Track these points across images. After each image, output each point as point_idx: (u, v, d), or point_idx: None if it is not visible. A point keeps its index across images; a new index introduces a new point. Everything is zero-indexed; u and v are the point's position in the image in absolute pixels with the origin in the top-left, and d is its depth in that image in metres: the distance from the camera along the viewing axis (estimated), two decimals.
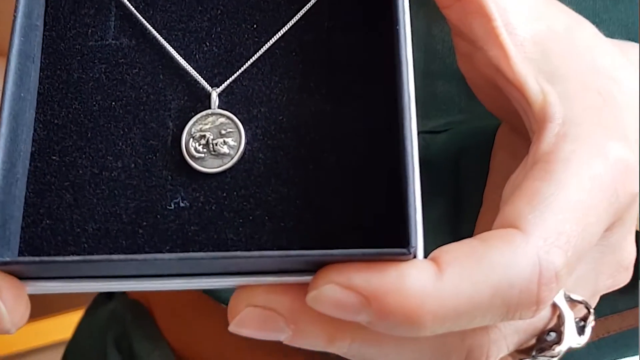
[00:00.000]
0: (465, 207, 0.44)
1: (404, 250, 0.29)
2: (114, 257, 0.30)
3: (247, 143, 0.34)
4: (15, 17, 0.33)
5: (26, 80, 0.34)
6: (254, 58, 0.35)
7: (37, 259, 0.30)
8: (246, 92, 0.35)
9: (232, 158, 0.34)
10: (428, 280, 0.29)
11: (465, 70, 0.37)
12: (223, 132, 0.34)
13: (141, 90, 0.35)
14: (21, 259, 0.31)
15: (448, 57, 0.42)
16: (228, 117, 0.34)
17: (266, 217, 0.33)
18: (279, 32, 0.35)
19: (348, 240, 0.32)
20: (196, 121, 0.34)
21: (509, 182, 0.33)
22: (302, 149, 0.34)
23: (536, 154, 0.32)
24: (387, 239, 0.32)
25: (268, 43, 0.35)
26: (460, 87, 0.41)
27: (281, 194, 0.33)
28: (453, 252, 0.30)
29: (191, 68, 0.35)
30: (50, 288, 0.32)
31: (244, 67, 0.35)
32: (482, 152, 0.40)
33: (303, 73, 0.35)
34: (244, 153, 0.34)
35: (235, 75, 0.35)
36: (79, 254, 0.33)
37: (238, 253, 0.30)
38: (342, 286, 0.29)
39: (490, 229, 0.32)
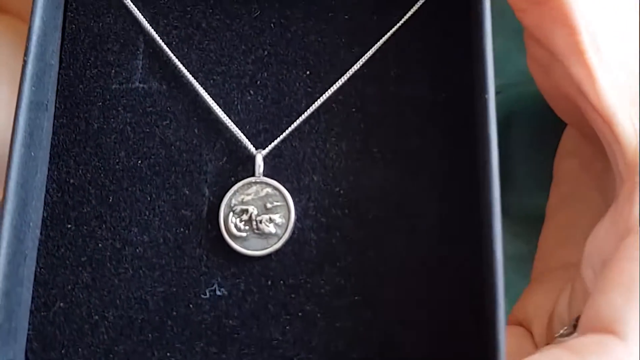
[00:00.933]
0: (513, 176, 0.40)
1: None
2: None
3: (296, 220, 0.29)
4: (25, 61, 0.28)
5: (37, 135, 0.29)
6: (306, 113, 0.30)
7: None
8: (296, 156, 0.30)
9: (279, 239, 0.29)
10: None
11: (537, 75, 0.32)
12: (269, 205, 0.29)
13: (172, 147, 0.30)
14: None
15: (508, 12, 0.36)
16: (275, 187, 0.29)
17: (318, 314, 0.28)
18: (336, 82, 0.30)
19: (416, 350, 0.27)
20: (237, 190, 0.29)
21: (595, 236, 0.29)
22: (362, 230, 0.29)
23: (629, 221, 0.27)
24: (461, 343, 0.27)
25: (324, 95, 0.30)
26: (521, 45, 0.36)
27: (337, 286, 0.28)
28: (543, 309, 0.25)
29: (232, 122, 0.30)
30: None
31: (295, 124, 0.30)
32: (534, 119, 0.36)
33: (365, 134, 0.30)
34: (292, 233, 0.29)
35: (285, 134, 0.30)
36: (97, 347, 0.28)
37: None
38: None
39: (554, 249, 0.29)
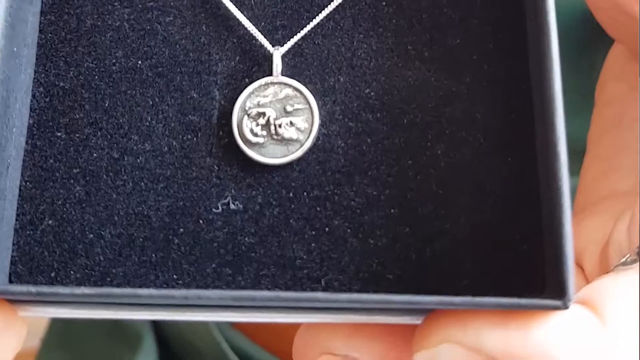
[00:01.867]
0: None
1: (558, 303, 0.20)
2: (141, 292, 0.21)
3: (321, 125, 0.25)
4: None
5: (20, 29, 0.25)
6: (331, 7, 0.26)
7: (31, 289, 0.21)
8: (320, 54, 0.26)
9: (301, 145, 0.25)
10: (593, 338, 0.20)
11: None
12: (289, 108, 0.25)
13: (177, 46, 0.26)
14: (9, 287, 0.23)
15: None
16: (296, 89, 0.25)
17: (348, 230, 0.24)
18: None
19: (463, 273, 0.23)
20: (252, 92, 0.25)
21: None
22: (396, 136, 0.25)
23: None
24: (518, 278, 0.23)
25: None
26: None
27: (368, 198, 0.24)
28: (612, 292, 0.22)
29: (245, 18, 0.26)
30: (52, 313, 0.24)
31: (317, 19, 0.26)
32: (571, 34, 0.32)
33: (397, 29, 0.26)
34: (317, 139, 0.25)
35: (306, 29, 0.26)
36: (92, 269, 0.24)
37: (320, 295, 0.21)
38: (468, 348, 0.20)
39: (600, 178, 0.27)
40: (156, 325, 0.43)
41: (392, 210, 0.24)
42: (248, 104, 0.25)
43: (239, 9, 0.26)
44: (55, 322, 0.43)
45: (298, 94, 0.25)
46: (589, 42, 0.35)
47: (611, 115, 0.30)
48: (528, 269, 0.23)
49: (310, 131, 0.25)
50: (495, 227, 0.24)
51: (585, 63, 0.34)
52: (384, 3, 0.26)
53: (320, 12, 0.26)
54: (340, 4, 0.26)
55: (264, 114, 0.25)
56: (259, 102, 0.25)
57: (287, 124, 0.25)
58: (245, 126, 0.25)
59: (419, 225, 0.24)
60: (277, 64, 0.26)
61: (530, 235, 0.23)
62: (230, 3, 0.26)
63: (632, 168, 0.29)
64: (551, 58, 0.22)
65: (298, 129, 0.25)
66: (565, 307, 0.20)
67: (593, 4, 0.29)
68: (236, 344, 0.43)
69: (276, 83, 0.25)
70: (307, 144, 0.25)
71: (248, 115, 0.25)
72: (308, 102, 0.25)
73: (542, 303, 0.20)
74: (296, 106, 0.25)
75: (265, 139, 0.25)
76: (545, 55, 0.23)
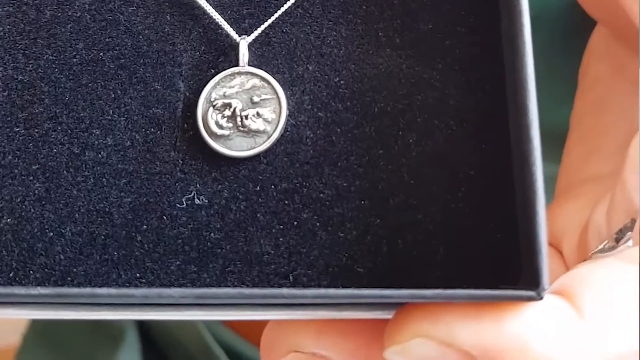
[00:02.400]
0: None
1: (532, 294, 0.19)
2: (100, 291, 0.20)
3: (289, 115, 0.24)
4: None
5: None
6: None
7: None
8: (287, 43, 0.25)
9: (268, 137, 0.24)
10: (569, 329, 0.20)
11: None
12: (256, 99, 0.24)
13: (140, 37, 0.25)
14: None
15: None
16: (263, 78, 0.24)
17: (317, 223, 0.23)
18: None
19: (436, 264, 0.23)
20: (218, 83, 0.24)
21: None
22: (367, 125, 0.24)
23: None
24: (492, 269, 0.22)
25: None
26: None
27: (338, 190, 0.24)
28: (588, 281, 0.21)
29: (210, 6, 0.25)
30: (11, 315, 0.23)
31: (285, 6, 0.25)
32: (556, 19, 0.31)
33: (367, 15, 0.25)
34: (285, 129, 0.24)
35: (273, 18, 0.25)
36: (52, 269, 0.23)
37: (285, 292, 0.21)
38: (440, 342, 0.19)
39: (581, 161, 0.26)
40: (139, 320, 0.42)
41: (362, 202, 0.23)
42: (213, 95, 0.24)
43: None
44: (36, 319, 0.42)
45: (265, 84, 0.24)
46: (578, 27, 0.34)
47: (594, 97, 0.30)
48: (502, 260, 0.22)
49: (278, 122, 0.24)
50: (468, 217, 0.23)
51: (574, 48, 0.33)
52: None
53: (288, 0, 0.25)
54: None
55: (229, 105, 0.24)
56: (224, 93, 0.24)
57: (253, 115, 0.24)
58: (210, 118, 0.24)
59: (390, 217, 0.23)
60: (244, 54, 0.25)
61: (504, 224, 0.22)
62: None
63: (614, 151, 0.28)
64: (523, 40, 0.22)
65: (265, 120, 0.24)
66: (540, 297, 0.19)
67: None
68: (223, 339, 0.42)
69: (243, 73, 0.25)
70: (275, 136, 0.24)
71: (214, 107, 0.24)
72: (276, 92, 0.24)
73: (516, 294, 0.19)
74: (263, 96, 0.24)
75: (232, 131, 0.24)
76: (517, 38, 0.22)
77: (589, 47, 0.30)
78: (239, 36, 0.25)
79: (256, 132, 0.24)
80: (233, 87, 0.24)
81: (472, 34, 0.25)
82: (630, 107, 0.29)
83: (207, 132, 0.24)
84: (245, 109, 0.24)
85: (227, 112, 0.24)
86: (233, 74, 0.25)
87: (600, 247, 0.25)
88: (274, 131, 0.24)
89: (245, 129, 0.24)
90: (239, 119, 0.24)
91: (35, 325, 0.42)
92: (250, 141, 0.24)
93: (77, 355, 0.41)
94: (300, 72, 0.25)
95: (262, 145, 0.24)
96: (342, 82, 0.25)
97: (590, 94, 0.30)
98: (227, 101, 0.24)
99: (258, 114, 0.24)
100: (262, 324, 0.29)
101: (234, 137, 0.24)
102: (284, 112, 0.24)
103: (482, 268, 0.22)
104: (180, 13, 0.25)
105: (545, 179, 0.32)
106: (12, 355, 0.42)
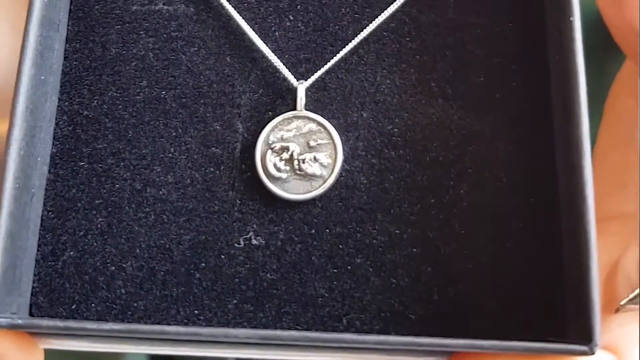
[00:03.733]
0: None
1: (585, 348, 0.20)
2: (169, 329, 0.21)
3: (344, 161, 0.25)
4: None
5: (48, 57, 0.25)
6: (354, 42, 0.26)
7: (58, 323, 0.21)
8: (343, 89, 0.26)
9: (324, 181, 0.25)
10: None
11: (605, 8, 0.28)
12: (312, 143, 0.25)
13: (201, 77, 0.26)
14: (36, 321, 0.22)
15: None
16: (319, 123, 0.25)
17: (370, 268, 0.24)
18: (388, 8, 0.26)
19: (484, 314, 0.24)
20: (276, 126, 0.25)
21: None
22: (419, 174, 0.25)
23: None
24: (538, 320, 0.23)
25: (374, 22, 0.26)
26: None
27: (391, 236, 0.24)
28: (635, 338, 0.22)
29: (269, 50, 0.26)
30: (74, 346, 0.24)
31: (341, 53, 0.26)
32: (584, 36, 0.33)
33: (420, 66, 0.26)
34: (340, 175, 0.25)
35: (330, 64, 0.26)
36: (113, 302, 0.24)
37: (347, 337, 0.21)
38: None
39: (607, 196, 0.26)
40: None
41: (414, 250, 0.24)
42: (271, 138, 0.25)
43: (263, 41, 0.26)
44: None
45: (322, 129, 0.25)
46: (598, 46, 0.34)
47: (620, 131, 0.30)
48: (549, 311, 0.23)
49: (334, 167, 0.25)
50: (516, 269, 0.24)
51: (594, 67, 0.34)
52: (407, 39, 0.26)
53: (344, 47, 0.26)
54: (364, 38, 0.26)
55: (287, 148, 0.25)
56: (282, 136, 0.25)
57: (310, 160, 0.25)
58: (268, 160, 0.25)
59: (441, 265, 0.24)
60: (301, 98, 0.26)
61: (551, 277, 0.23)
62: (255, 35, 0.26)
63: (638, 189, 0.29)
64: (579, 101, 0.22)
65: (321, 164, 0.25)
66: (592, 352, 0.20)
67: (614, 27, 0.29)
68: None
69: (300, 117, 0.25)
70: (330, 180, 0.25)
71: (271, 149, 0.25)
72: (331, 137, 0.25)
73: (569, 348, 0.20)
74: (319, 141, 0.25)
75: (289, 174, 0.25)
76: (571, 98, 0.23)
77: (617, 80, 0.31)
78: (297, 80, 0.26)
79: (312, 176, 0.25)
80: (290, 130, 0.25)
81: (523, 88, 0.25)
82: None
83: (265, 174, 0.25)
84: (302, 152, 0.25)
85: (285, 155, 0.25)
86: (290, 118, 0.25)
87: (632, 295, 0.26)
88: (329, 176, 0.25)
89: (302, 173, 0.25)
90: (296, 162, 0.25)
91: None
92: (307, 185, 0.25)
93: None
94: (355, 119, 0.26)
95: (318, 189, 0.25)
96: (395, 130, 0.25)
97: (616, 127, 0.30)
98: (285, 144, 0.25)
99: (315, 158, 0.25)
100: None
101: (290, 180, 0.25)
102: (340, 157, 0.25)
103: (529, 320, 0.23)
104: (240, 55, 0.26)
105: None
106: None
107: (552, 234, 0.24)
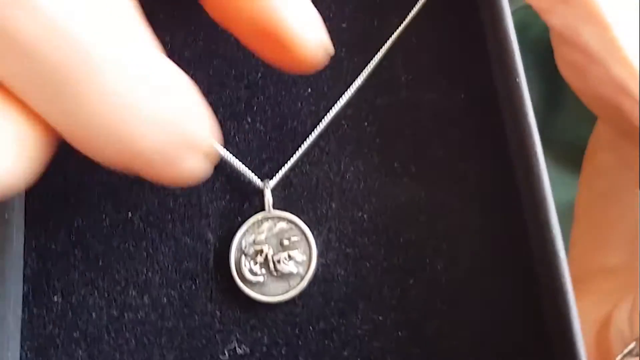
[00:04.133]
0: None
1: None
2: None
3: (319, 255, 0.25)
4: None
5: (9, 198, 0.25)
6: (314, 135, 0.26)
7: None
8: (309, 183, 0.26)
9: (301, 279, 0.25)
10: None
11: (571, 79, 0.29)
12: (285, 242, 0.25)
13: (166, 192, 0.26)
14: None
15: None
16: (290, 221, 0.25)
17: (358, 359, 0.24)
18: (342, 96, 0.26)
19: None
20: (247, 230, 0.25)
21: None
22: (395, 257, 0.25)
23: None
24: None
25: (330, 112, 0.26)
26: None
27: (375, 324, 0.24)
28: None
29: (231, 155, 0.26)
30: None
31: (302, 148, 0.26)
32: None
33: (382, 148, 0.26)
34: (317, 270, 0.25)
35: (293, 160, 0.26)
36: None
37: None
38: None
39: (590, 251, 0.27)
40: None
41: (399, 333, 0.24)
42: (244, 243, 0.25)
43: (224, 147, 0.26)
44: None
45: (293, 226, 0.25)
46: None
47: (601, 187, 0.30)
48: None
49: (310, 263, 0.25)
50: (502, 344, 0.23)
51: (550, 68, 0.35)
52: (365, 123, 0.26)
53: (305, 140, 0.26)
54: (323, 130, 0.26)
55: (261, 251, 0.25)
56: (254, 239, 0.25)
57: (285, 259, 0.25)
58: (243, 266, 0.25)
59: (427, 345, 0.23)
60: (268, 199, 0.25)
61: (536, 349, 0.23)
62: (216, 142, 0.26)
63: (622, 243, 0.29)
64: (538, 162, 0.22)
65: (297, 262, 0.25)
66: None
67: (582, 95, 0.29)
68: None
69: (269, 218, 0.25)
70: (308, 277, 0.24)
71: (245, 254, 0.25)
72: (304, 233, 0.25)
73: None
74: (292, 239, 0.25)
75: (265, 277, 0.25)
76: (531, 162, 0.23)
77: (594, 134, 0.31)
78: (262, 181, 0.26)
79: (289, 275, 0.25)
80: (262, 232, 0.25)
81: (483, 156, 0.25)
82: (638, 199, 0.29)
83: (241, 280, 0.25)
84: (276, 253, 0.25)
85: (260, 259, 0.25)
86: (260, 220, 0.25)
87: (626, 351, 0.26)
88: (306, 272, 0.25)
89: (279, 274, 0.25)
90: (271, 264, 0.25)
91: None
92: (284, 285, 0.25)
93: None
94: (324, 211, 0.25)
95: (297, 287, 0.24)
96: (365, 216, 0.25)
97: (596, 183, 0.30)
98: (258, 248, 0.25)
99: (289, 256, 0.25)
100: None
101: (268, 283, 0.25)
102: (314, 252, 0.25)
103: None
104: None
105: (568, 202, 0.32)
106: None
107: (534, 304, 0.23)
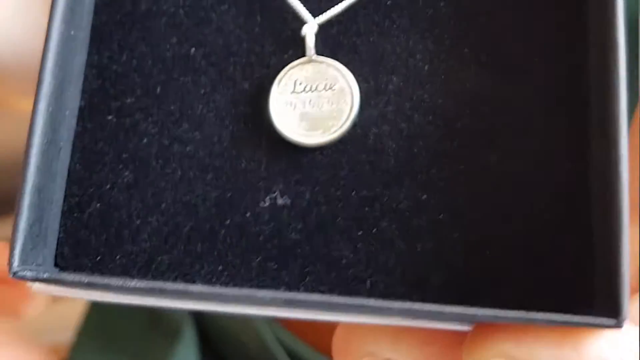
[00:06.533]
0: None
1: (613, 322, 0.20)
2: (193, 288, 0.21)
3: (372, 124, 0.25)
4: None
5: (78, 11, 0.25)
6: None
7: (83, 279, 0.21)
8: (374, 53, 0.26)
9: (340, 126, 0.25)
10: None
11: None
12: (330, 88, 0.25)
13: (231, 36, 0.26)
14: (61, 276, 0.23)
15: None
16: (337, 69, 0.25)
17: (396, 232, 0.24)
18: None
19: (510, 282, 0.23)
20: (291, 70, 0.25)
21: None
22: (449, 141, 0.25)
23: None
24: (566, 290, 0.23)
25: None
26: None
27: (417, 201, 0.24)
28: None
29: (303, 10, 0.26)
30: (97, 297, 0.24)
31: (375, 17, 0.26)
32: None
33: (454, 32, 0.26)
34: (367, 138, 0.25)
35: (361, 26, 0.25)
36: (137, 256, 0.24)
37: (372, 303, 0.21)
38: None
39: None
40: (197, 317, 0.43)
41: (440, 215, 0.24)
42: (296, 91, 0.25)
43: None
44: (91, 313, 0.42)
45: (339, 76, 0.25)
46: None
47: None
48: (577, 281, 0.23)
49: (350, 112, 0.25)
50: (544, 237, 0.23)
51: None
52: (441, 4, 0.26)
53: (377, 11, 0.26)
54: (396, 2, 0.26)
55: (309, 99, 0.25)
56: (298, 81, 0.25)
57: (327, 101, 0.25)
58: (283, 105, 0.25)
59: (467, 233, 0.24)
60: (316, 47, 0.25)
61: (580, 248, 0.23)
62: None
63: None
64: (617, 67, 0.22)
65: (340, 109, 0.25)
66: (620, 326, 0.20)
67: None
68: (283, 341, 0.43)
69: (317, 62, 0.25)
70: (347, 124, 0.24)
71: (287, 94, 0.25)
72: (348, 84, 0.25)
73: (597, 322, 0.20)
74: (335, 86, 0.25)
75: (304, 120, 0.25)
76: (609, 65, 0.22)
77: None
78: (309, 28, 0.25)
79: (329, 119, 0.25)
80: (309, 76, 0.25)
81: (561, 56, 0.25)
82: None
83: (289, 132, 0.25)
84: (319, 94, 0.25)
85: (303, 97, 0.25)
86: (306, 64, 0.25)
87: None
88: (347, 119, 0.25)
89: (318, 114, 0.25)
90: (310, 104, 0.25)
91: (90, 321, 0.43)
92: (324, 126, 0.25)
93: (133, 351, 0.42)
94: (384, 83, 0.25)
95: (336, 132, 0.24)
96: (425, 95, 0.25)
97: None
98: (307, 96, 0.25)
99: (330, 101, 0.25)
100: (325, 328, 0.29)
101: (307, 127, 0.25)
102: (356, 102, 0.25)
103: (556, 290, 0.23)
104: (270, 15, 0.26)
105: None
106: (65, 351, 0.42)
107: (582, 206, 0.23)
